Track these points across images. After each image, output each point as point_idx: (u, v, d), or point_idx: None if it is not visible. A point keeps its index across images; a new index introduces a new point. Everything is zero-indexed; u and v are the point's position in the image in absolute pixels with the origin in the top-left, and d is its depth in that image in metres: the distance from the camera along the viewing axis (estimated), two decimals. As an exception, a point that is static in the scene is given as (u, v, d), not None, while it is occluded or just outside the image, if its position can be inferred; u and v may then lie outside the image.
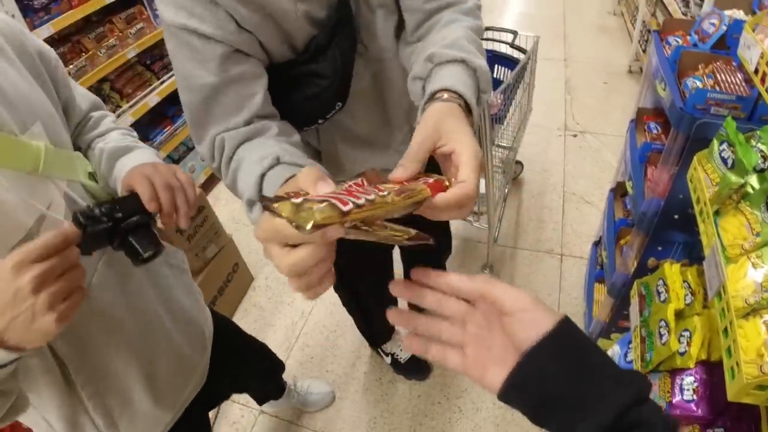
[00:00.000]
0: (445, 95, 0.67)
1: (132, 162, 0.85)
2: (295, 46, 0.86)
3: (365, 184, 0.49)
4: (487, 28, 1.40)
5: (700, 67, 1.33)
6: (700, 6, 2.62)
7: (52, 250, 0.60)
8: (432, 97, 0.68)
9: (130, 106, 2.55)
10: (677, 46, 1.45)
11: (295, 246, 0.44)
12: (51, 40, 2.25)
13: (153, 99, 2.64)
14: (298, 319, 2.32)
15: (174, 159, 2.96)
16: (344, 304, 1.82)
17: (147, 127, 2.76)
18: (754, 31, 1.00)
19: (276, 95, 0.87)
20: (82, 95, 0.95)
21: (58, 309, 0.59)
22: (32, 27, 2.08)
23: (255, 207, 0.70)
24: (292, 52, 0.86)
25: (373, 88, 1.01)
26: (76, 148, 0.89)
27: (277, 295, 2.45)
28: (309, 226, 0.38)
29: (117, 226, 0.66)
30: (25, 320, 0.58)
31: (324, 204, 0.39)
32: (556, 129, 3.34)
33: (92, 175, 0.86)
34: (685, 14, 2.75)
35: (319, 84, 0.87)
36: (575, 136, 3.26)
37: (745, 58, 0.93)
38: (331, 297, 1.94)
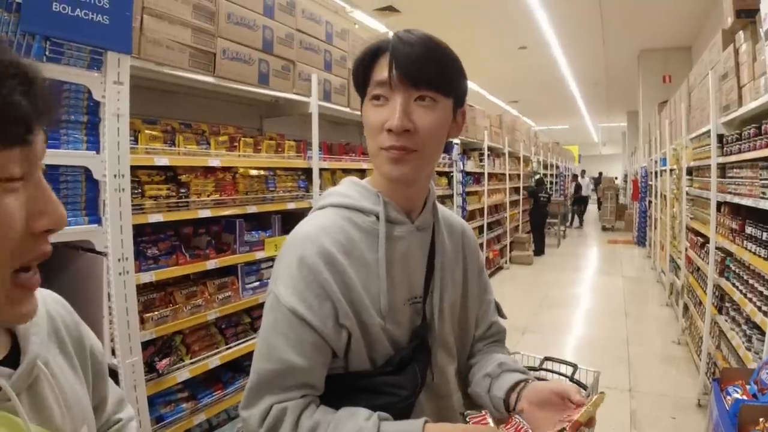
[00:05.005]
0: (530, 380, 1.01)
1: None
2: (373, 359, 0.94)
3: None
4: (547, 358, 1.46)
5: (760, 421, 1.29)
6: (762, 341, 2.59)
7: None
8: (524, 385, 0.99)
9: (192, 363, 2.64)
10: (737, 400, 1.42)
11: None
12: (148, 285, 2.49)
13: (214, 361, 2.73)
14: None
15: (213, 424, 2.90)
16: None
17: (198, 386, 2.80)
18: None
19: (341, 400, 0.91)
20: (112, 389, 0.90)
21: None
22: (138, 269, 2.29)
23: None
24: (370, 364, 0.94)
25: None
26: None
27: None
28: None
29: None
30: None
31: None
32: (623, 468, 3.00)
33: None
34: (749, 348, 2.72)
35: (398, 394, 0.92)
36: (645, 479, 2.89)
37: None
38: None
